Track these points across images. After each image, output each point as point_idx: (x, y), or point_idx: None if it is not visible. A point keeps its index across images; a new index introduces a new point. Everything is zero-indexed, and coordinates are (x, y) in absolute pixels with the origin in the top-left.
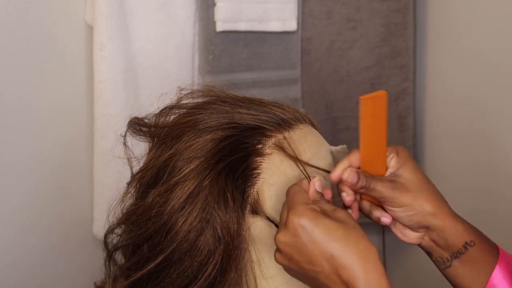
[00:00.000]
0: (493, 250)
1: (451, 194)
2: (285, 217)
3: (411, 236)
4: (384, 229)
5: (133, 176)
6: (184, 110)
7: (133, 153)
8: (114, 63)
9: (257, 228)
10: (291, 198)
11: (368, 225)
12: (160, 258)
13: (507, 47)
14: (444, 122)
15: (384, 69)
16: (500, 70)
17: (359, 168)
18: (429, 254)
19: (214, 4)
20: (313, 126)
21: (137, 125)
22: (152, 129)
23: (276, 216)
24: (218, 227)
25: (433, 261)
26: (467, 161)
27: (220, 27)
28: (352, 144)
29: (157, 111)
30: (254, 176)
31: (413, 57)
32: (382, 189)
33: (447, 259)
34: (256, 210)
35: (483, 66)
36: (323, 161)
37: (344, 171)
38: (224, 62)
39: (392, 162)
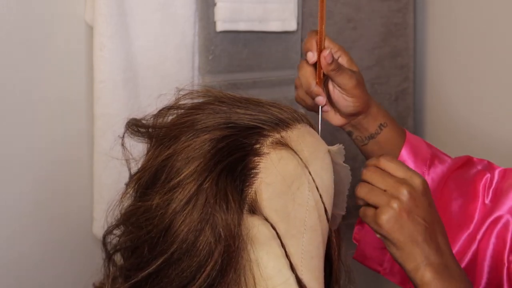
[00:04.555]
0: (402, 132)
1: None
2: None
3: (338, 121)
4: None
5: (131, 176)
6: (182, 110)
7: (131, 154)
8: (114, 63)
9: (255, 227)
10: (397, 164)
11: None
12: (160, 260)
13: (507, 47)
14: (444, 122)
15: (384, 69)
16: (500, 70)
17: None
18: (349, 134)
19: (214, 4)
20: (311, 126)
21: (135, 126)
22: (150, 129)
23: (272, 216)
24: (219, 228)
25: (352, 139)
26: None
27: (220, 27)
28: (352, 145)
29: (155, 112)
30: (252, 176)
31: (413, 57)
32: (345, 75)
33: (365, 138)
34: (254, 210)
35: (483, 66)
36: (321, 160)
37: (324, 51)
38: (224, 62)
39: (343, 59)
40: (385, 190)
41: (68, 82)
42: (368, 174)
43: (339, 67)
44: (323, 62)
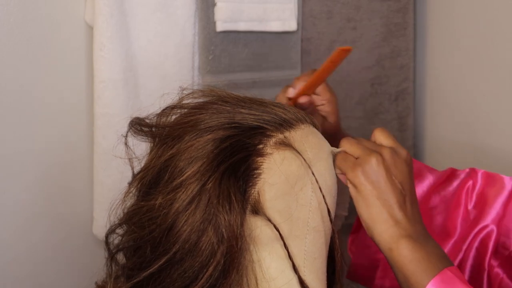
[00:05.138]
0: None
1: None
2: (399, 144)
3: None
4: None
5: (134, 176)
6: (186, 110)
7: (134, 153)
8: (114, 63)
9: (258, 228)
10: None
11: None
12: (163, 260)
13: (507, 46)
14: (444, 122)
15: (384, 69)
16: (500, 70)
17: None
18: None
19: (214, 4)
20: (315, 126)
21: (138, 125)
22: (153, 129)
23: (275, 216)
24: (222, 228)
25: None
26: (467, 161)
27: (220, 27)
28: None
29: (158, 111)
30: (255, 176)
31: (413, 57)
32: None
33: None
34: (257, 210)
35: (483, 66)
36: (324, 161)
37: (304, 97)
38: (224, 62)
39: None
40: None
41: (68, 82)
42: (347, 139)
43: (312, 111)
44: (299, 102)
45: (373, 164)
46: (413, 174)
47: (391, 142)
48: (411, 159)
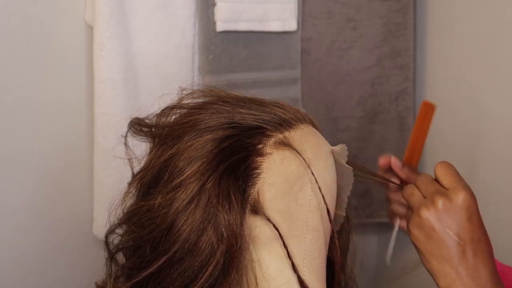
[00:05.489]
0: None
1: None
2: (453, 186)
3: None
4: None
5: (134, 176)
6: (185, 110)
7: (134, 154)
8: (114, 63)
9: (257, 227)
10: (456, 173)
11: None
12: (162, 259)
13: (508, 46)
14: (444, 122)
15: (384, 69)
16: (501, 70)
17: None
18: None
19: (214, 4)
20: (314, 126)
21: (138, 125)
22: (153, 129)
23: (275, 216)
24: (222, 228)
25: None
26: (467, 161)
27: (220, 27)
28: (352, 144)
29: (158, 111)
30: (254, 176)
31: (413, 57)
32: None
33: None
34: (256, 210)
35: (483, 66)
36: (323, 161)
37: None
38: (224, 62)
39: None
40: (425, 197)
41: (68, 82)
42: (419, 178)
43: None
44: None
45: (421, 221)
46: (476, 217)
47: (449, 182)
48: (470, 200)
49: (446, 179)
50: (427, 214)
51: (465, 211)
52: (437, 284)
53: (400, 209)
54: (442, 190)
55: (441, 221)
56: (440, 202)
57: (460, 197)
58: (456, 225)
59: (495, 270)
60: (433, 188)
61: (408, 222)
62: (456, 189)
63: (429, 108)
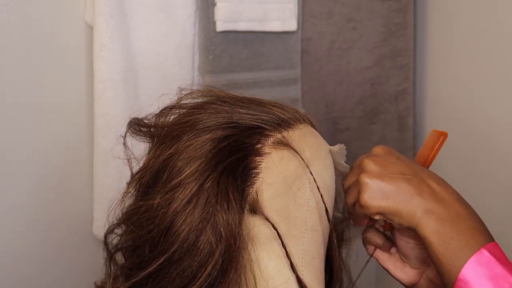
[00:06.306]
0: None
1: None
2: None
3: (409, 273)
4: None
5: (133, 176)
6: (184, 110)
7: (133, 154)
8: (114, 63)
9: (256, 227)
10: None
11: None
12: (161, 259)
13: (508, 46)
14: (444, 122)
15: (384, 69)
16: (501, 70)
17: None
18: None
19: (214, 4)
20: (313, 126)
21: (137, 126)
22: (152, 129)
23: (273, 216)
24: (220, 228)
25: None
26: (467, 161)
27: (220, 27)
28: (352, 144)
29: (157, 111)
30: (253, 175)
31: (413, 57)
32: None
33: None
34: (255, 210)
35: (483, 66)
36: (322, 161)
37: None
38: (224, 62)
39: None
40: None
41: (68, 82)
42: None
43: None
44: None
45: (368, 185)
46: (402, 156)
47: (363, 156)
48: (387, 148)
49: (360, 159)
50: (368, 175)
51: (391, 155)
52: (415, 231)
53: (376, 238)
54: (364, 156)
55: (382, 173)
56: (367, 162)
57: (379, 149)
58: (395, 167)
59: (455, 191)
60: (358, 161)
61: (359, 203)
62: (372, 151)
63: (438, 138)
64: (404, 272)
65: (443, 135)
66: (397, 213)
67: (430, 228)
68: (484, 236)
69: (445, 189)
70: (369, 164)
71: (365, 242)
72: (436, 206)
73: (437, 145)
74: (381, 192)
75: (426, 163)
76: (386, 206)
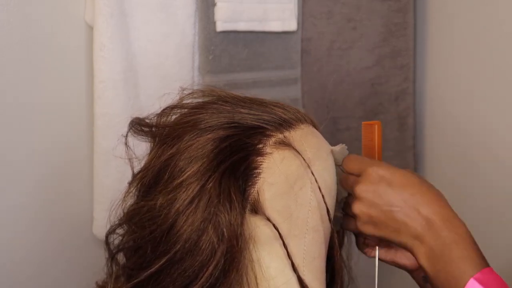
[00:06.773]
0: None
1: (451, 194)
2: (361, 171)
3: (411, 257)
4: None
5: (134, 175)
6: (186, 110)
7: (134, 153)
8: (114, 63)
9: (257, 227)
10: (360, 159)
11: None
12: (163, 260)
13: (508, 47)
14: (444, 122)
15: (384, 69)
16: (501, 70)
17: None
18: (410, 272)
19: (214, 4)
20: (314, 126)
21: (138, 125)
22: (153, 129)
23: (275, 216)
24: (222, 228)
25: (412, 277)
26: (467, 161)
27: (220, 27)
28: (353, 144)
29: (158, 111)
30: (254, 175)
31: (413, 57)
32: None
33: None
34: (256, 210)
35: (483, 66)
36: (323, 161)
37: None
38: (224, 62)
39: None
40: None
41: (68, 82)
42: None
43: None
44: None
45: (361, 219)
46: (397, 179)
47: (357, 169)
48: (377, 172)
49: (354, 169)
50: (358, 208)
51: (383, 181)
52: (412, 254)
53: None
54: (357, 179)
55: (372, 205)
56: (362, 191)
57: (370, 174)
58: (385, 198)
59: (446, 209)
60: (350, 182)
61: (357, 226)
62: (364, 172)
63: (373, 128)
64: (408, 258)
65: (377, 124)
66: (389, 239)
67: (421, 254)
68: (473, 265)
69: (433, 210)
70: (362, 193)
71: (361, 246)
72: (425, 233)
73: (376, 136)
74: (372, 223)
75: (376, 156)
76: (378, 235)
